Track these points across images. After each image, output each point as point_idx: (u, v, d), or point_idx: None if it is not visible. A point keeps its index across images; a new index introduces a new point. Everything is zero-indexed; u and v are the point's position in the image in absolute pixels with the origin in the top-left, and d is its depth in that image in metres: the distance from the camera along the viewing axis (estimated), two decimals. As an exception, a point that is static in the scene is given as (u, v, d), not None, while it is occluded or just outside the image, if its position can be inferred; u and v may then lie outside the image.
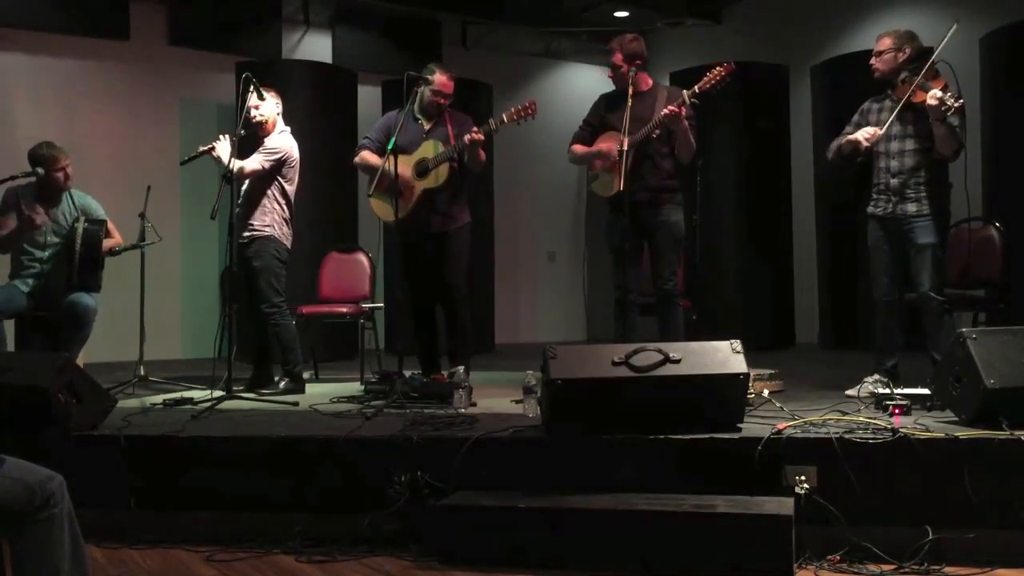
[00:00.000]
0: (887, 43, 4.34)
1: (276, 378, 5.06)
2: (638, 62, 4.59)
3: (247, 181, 4.95)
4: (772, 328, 8.02)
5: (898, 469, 3.07)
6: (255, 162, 4.91)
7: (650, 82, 4.68)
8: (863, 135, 4.30)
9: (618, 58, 4.59)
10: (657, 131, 4.46)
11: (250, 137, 4.95)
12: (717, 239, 7.71)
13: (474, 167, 4.79)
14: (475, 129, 4.62)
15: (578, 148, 4.79)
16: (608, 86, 4.80)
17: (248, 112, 4.87)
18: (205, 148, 4.92)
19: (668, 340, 4.29)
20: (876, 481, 3.06)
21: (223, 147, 4.86)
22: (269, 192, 4.96)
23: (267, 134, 4.99)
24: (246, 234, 4.95)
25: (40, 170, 4.98)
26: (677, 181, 4.67)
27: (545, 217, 10.27)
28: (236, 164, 4.82)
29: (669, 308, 4.63)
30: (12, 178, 4.99)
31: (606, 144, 4.58)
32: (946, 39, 4.20)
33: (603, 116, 4.71)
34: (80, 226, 4.99)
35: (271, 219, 4.97)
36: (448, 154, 4.68)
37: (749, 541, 2.88)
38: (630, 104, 4.40)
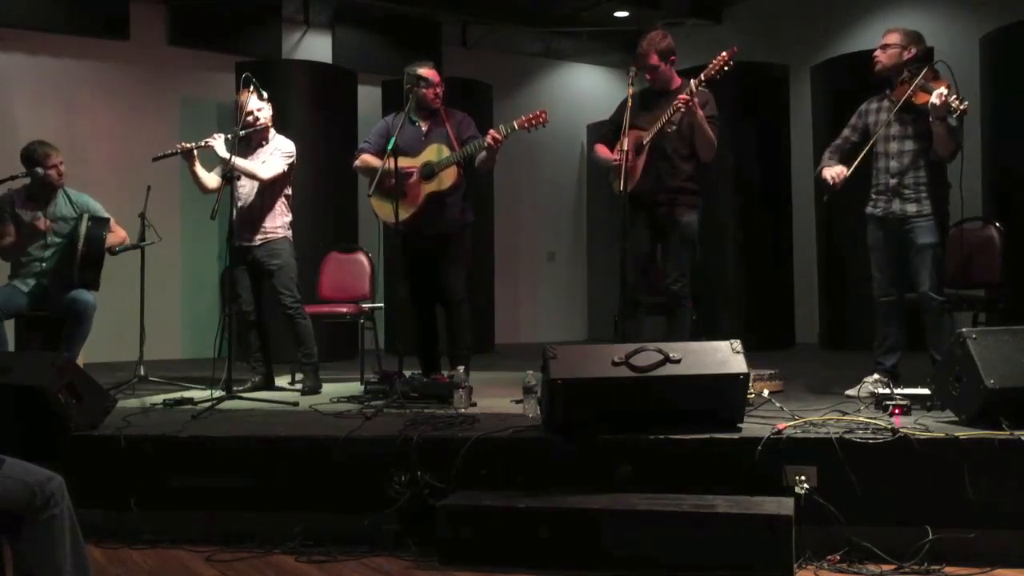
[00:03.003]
0: (895, 39, 4.31)
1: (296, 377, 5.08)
2: (673, 58, 4.58)
3: (252, 183, 4.93)
4: (772, 328, 8.02)
5: (898, 469, 3.07)
6: (278, 165, 4.92)
7: (679, 81, 4.61)
8: (830, 175, 4.30)
9: (655, 59, 4.52)
10: (672, 126, 4.40)
11: (244, 139, 4.93)
12: (717, 239, 7.71)
13: (485, 167, 4.79)
14: (492, 133, 4.54)
15: (600, 149, 4.73)
16: (611, 85, 4.79)
17: (251, 115, 4.88)
18: (188, 145, 4.85)
19: (674, 340, 4.28)
20: (876, 481, 3.06)
21: (220, 145, 4.85)
22: (280, 194, 5.01)
23: (266, 137, 5.00)
24: (257, 238, 4.95)
25: (40, 170, 4.98)
26: (697, 184, 4.59)
27: (545, 217, 10.28)
28: (249, 167, 4.84)
29: (676, 309, 4.61)
30: (12, 178, 4.99)
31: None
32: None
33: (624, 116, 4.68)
34: (84, 224, 4.99)
35: (282, 221, 5.03)
36: (454, 159, 4.67)
37: (749, 541, 2.88)
38: (630, 104, 4.39)
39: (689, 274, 4.60)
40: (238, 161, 4.83)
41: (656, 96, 4.57)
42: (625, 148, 4.26)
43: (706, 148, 4.47)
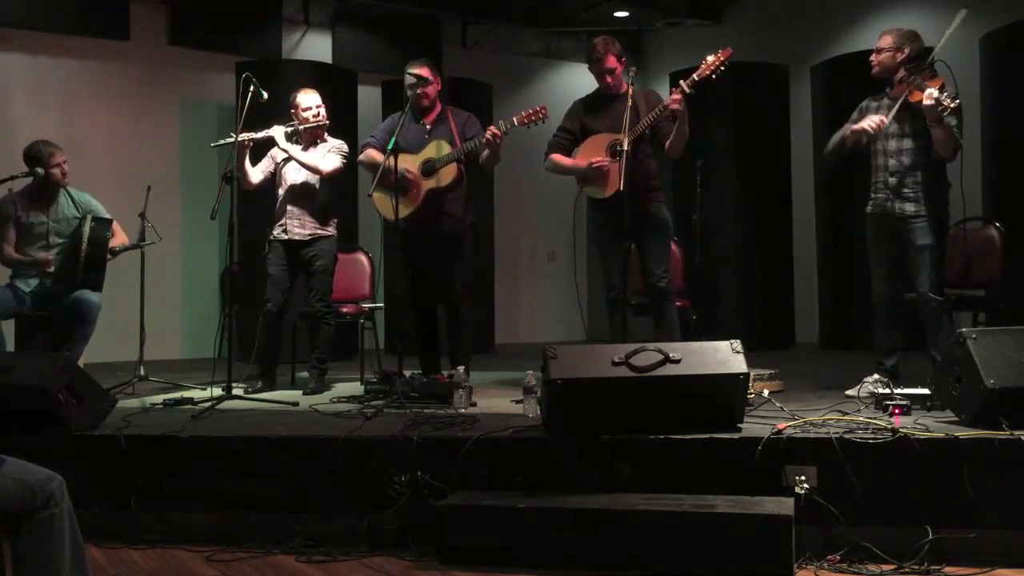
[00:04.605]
0: (888, 41, 4.32)
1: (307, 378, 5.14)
2: (624, 59, 4.62)
3: (303, 176, 4.97)
4: (772, 328, 8.02)
5: (898, 469, 3.07)
6: (337, 161, 5.01)
7: (625, 84, 4.65)
8: (869, 123, 4.24)
9: (612, 60, 4.58)
10: (647, 128, 4.45)
11: (298, 135, 5.02)
12: (717, 239, 7.70)
13: (489, 164, 4.79)
14: (491, 127, 4.57)
15: (559, 158, 4.72)
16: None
17: (308, 110, 4.98)
18: (249, 135, 4.82)
19: (664, 337, 4.29)
20: (876, 481, 3.06)
21: (280, 136, 4.91)
22: (333, 193, 5.07)
23: (322, 136, 5.09)
24: (307, 232, 4.99)
25: (40, 170, 4.98)
26: (660, 180, 4.67)
27: (545, 217, 10.26)
28: (310, 159, 4.92)
29: (664, 306, 4.62)
30: (12, 178, 4.98)
31: (594, 155, 4.53)
32: (955, 25, 4.14)
33: (583, 122, 4.68)
34: (87, 226, 4.99)
35: (331, 215, 5.09)
36: (455, 155, 4.66)
37: (749, 541, 2.89)
38: (629, 104, 4.38)
39: (671, 270, 4.64)
40: (298, 153, 4.93)
41: (608, 100, 4.60)
42: (625, 148, 4.25)
43: (681, 146, 4.51)
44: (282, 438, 3.54)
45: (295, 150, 4.95)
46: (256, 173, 5.07)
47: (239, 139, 4.79)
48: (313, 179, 4.99)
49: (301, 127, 4.98)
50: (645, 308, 4.76)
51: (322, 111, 5.04)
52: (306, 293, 5.11)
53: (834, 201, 7.75)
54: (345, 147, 5.11)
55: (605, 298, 4.67)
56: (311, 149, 5.03)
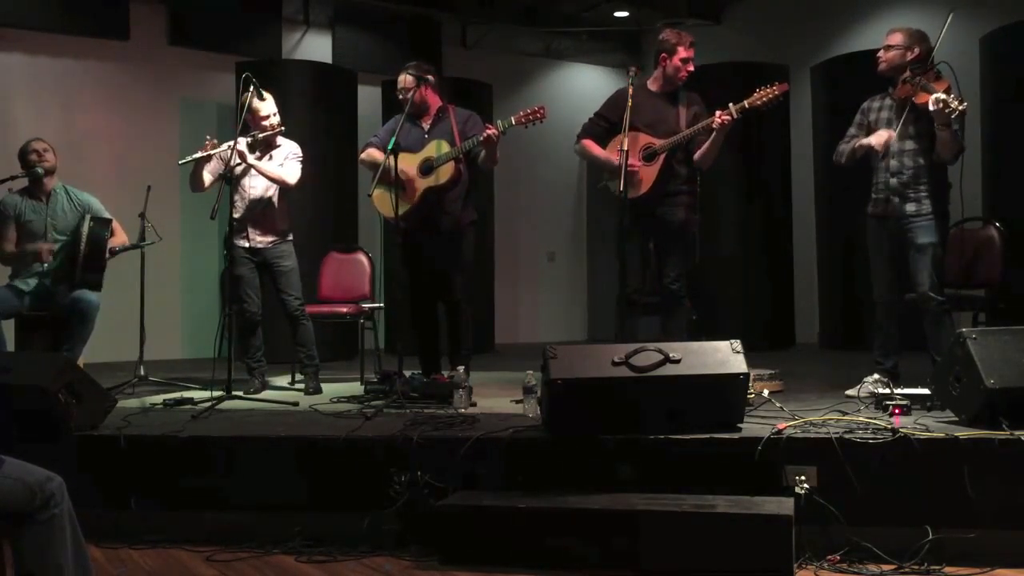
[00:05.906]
0: (898, 39, 4.31)
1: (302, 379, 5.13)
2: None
3: (265, 186, 4.95)
4: (772, 328, 8.02)
5: (898, 469, 3.07)
6: (298, 169, 4.99)
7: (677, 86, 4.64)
8: (876, 141, 4.28)
9: (691, 50, 4.54)
10: (685, 140, 4.44)
11: (253, 144, 4.95)
12: (717, 239, 7.71)
13: (488, 165, 4.78)
14: (489, 126, 4.56)
15: (590, 145, 4.69)
16: (611, 85, 4.78)
17: (266, 119, 4.91)
18: (215, 151, 4.82)
19: (670, 339, 4.28)
20: (876, 481, 3.07)
21: (246, 150, 4.87)
22: (285, 197, 5.05)
23: (275, 141, 5.03)
24: (269, 240, 4.99)
25: (39, 170, 4.99)
26: (693, 186, 4.63)
27: (545, 217, 10.28)
28: (276, 172, 4.89)
29: (674, 308, 4.61)
30: (12, 178, 5.00)
31: (630, 155, 4.47)
32: (944, 29, 4.18)
33: (622, 114, 4.65)
34: (86, 226, 4.99)
35: (290, 223, 5.10)
36: (454, 154, 4.65)
37: (749, 541, 2.89)
38: (630, 104, 4.37)
39: (686, 274, 4.62)
40: (263, 166, 4.89)
41: (657, 97, 4.56)
42: (625, 148, 4.24)
43: (713, 160, 4.53)
44: (282, 438, 3.54)
45: (258, 162, 4.89)
46: (208, 177, 4.98)
47: (208, 153, 4.80)
48: (273, 188, 4.97)
49: (260, 135, 4.91)
50: (655, 308, 4.75)
51: (275, 117, 4.96)
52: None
53: (834, 201, 7.75)
54: (299, 150, 5.05)
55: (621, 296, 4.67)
56: (268, 156, 4.99)
